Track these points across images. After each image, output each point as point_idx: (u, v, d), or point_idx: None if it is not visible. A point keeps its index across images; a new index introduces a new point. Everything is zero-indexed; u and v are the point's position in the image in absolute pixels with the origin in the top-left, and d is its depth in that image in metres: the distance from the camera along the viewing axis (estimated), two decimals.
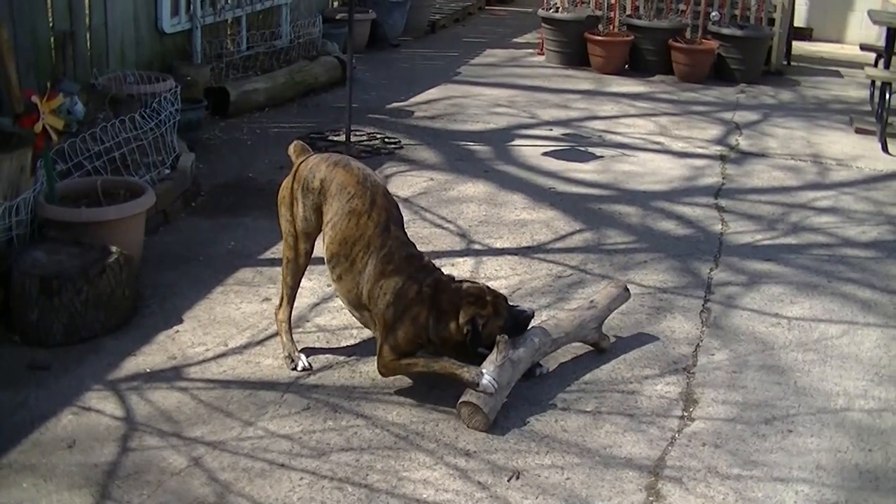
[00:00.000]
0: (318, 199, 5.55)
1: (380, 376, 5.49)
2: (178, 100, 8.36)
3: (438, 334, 5.31)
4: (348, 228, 5.40)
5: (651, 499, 4.65)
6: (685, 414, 5.40)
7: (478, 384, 5.13)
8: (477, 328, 5.27)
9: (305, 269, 5.83)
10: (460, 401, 5.14)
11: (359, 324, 6.00)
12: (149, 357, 5.70)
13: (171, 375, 5.52)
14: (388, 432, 5.06)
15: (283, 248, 5.77)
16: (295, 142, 5.93)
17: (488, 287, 5.50)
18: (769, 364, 5.99)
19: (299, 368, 5.65)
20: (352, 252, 5.40)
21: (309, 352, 5.82)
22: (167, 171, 7.78)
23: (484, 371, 5.18)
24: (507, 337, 5.33)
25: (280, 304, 5.83)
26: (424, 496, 4.57)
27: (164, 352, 5.77)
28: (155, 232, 7.33)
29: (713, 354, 6.07)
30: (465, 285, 5.41)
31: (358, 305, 5.49)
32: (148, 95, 8.42)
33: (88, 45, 9.00)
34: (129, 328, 6.02)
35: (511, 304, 5.55)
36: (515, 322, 5.46)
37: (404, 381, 5.56)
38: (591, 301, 6.04)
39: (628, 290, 6.24)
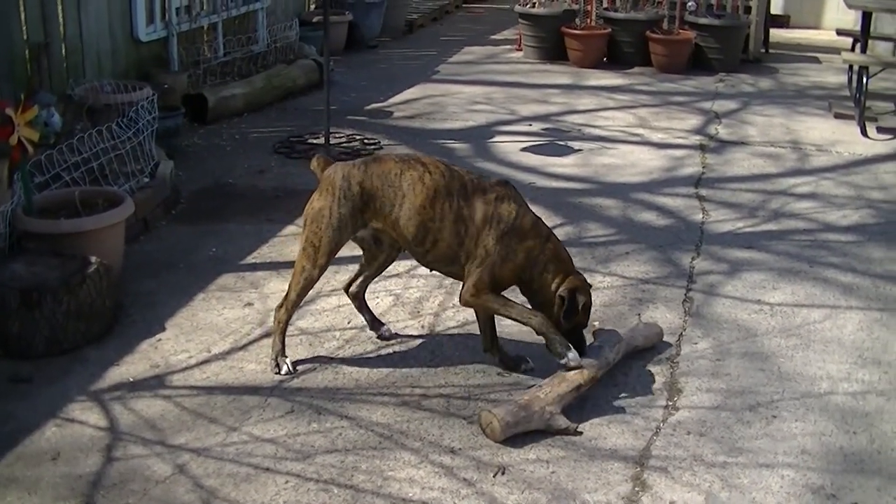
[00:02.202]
0: (360, 201, 5.47)
1: (362, 377, 5.49)
2: (155, 108, 8.34)
3: (538, 279, 5.42)
4: (419, 194, 5.41)
5: (637, 489, 4.66)
6: (669, 403, 5.41)
7: (564, 355, 5.29)
8: (575, 304, 5.34)
9: (314, 284, 5.70)
10: (489, 411, 5.05)
11: (343, 325, 6.04)
12: (131, 366, 5.69)
13: (155, 383, 5.51)
14: (372, 432, 5.05)
15: (299, 258, 5.62)
16: (317, 156, 5.80)
17: None
18: (752, 351, 6.00)
19: (282, 372, 5.65)
20: (434, 210, 5.39)
21: (292, 354, 5.80)
22: (146, 180, 7.77)
23: (574, 353, 5.33)
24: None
25: (282, 305, 5.73)
26: (410, 495, 4.57)
27: (146, 360, 5.75)
28: (135, 240, 7.31)
29: (696, 343, 6.08)
30: None
31: (455, 260, 5.48)
32: (125, 104, 8.39)
33: (64, 55, 8.98)
34: (111, 338, 6.00)
35: None
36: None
37: (388, 379, 5.58)
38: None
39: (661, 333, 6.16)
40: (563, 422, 5.06)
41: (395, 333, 6.13)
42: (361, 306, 6.13)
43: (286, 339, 5.78)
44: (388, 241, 5.79)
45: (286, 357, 5.72)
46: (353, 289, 6.07)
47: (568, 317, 5.36)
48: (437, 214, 5.39)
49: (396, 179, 5.45)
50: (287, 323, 5.76)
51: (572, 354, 5.29)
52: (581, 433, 5.10)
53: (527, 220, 5.40)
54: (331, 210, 5.48)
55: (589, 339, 5.63)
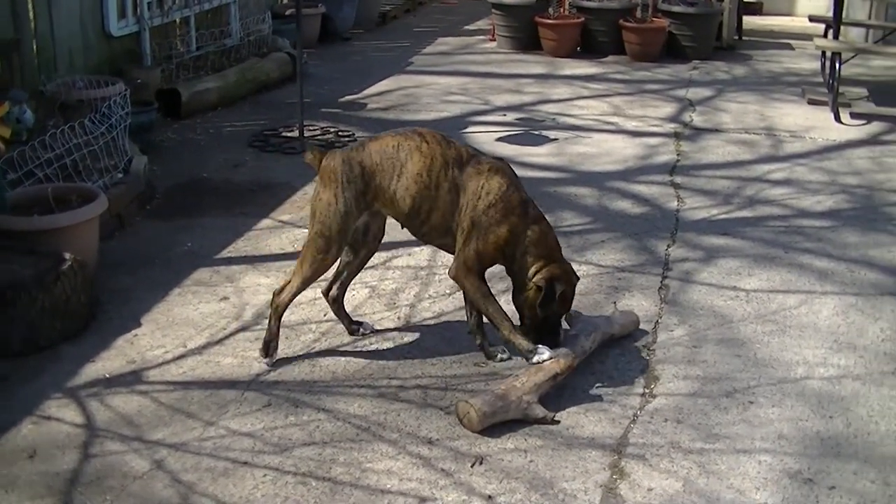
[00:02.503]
0: (363, 182, 5.49)
1: (339, 369, 5.53)
2: (128, 103, 8.29)
3: (519, 260, 5.44)
4: (416, 163, 5.44)
5: (615, 477, 4.66)
6: (646, 391, 5.42)
7: (529, 359, 5.33)
8: (553, 293, 5.36)
9: (323, 273, 5.70)
10: (466, 401, 5.06)
11: (319, 318, 6.04)
12: (108, 362, 5.67)
13: (131, 379, 5.49)
14: (349, 424, 5.05)
15: (308, 247, 5.58)
16: (310, 149, 5.79)
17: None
18: (728, 337, 6.02)
19: (265, 361, 5.66)
20: (430, 178, 5.43)
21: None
22: (120, 176, 7.73)
23: (544, 347, 5.36)
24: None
25: (282, 289, 5.70)
26: (388, 486, 4.56)
27: (123, 356, 5.73)
28: (110, 237, 7.28)
29: (672, 331, 6.10)
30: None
31: (449, 232, 5.52)
32: (98, 100, 8.35)
33: (35, 51, 8.93)
34: (87, 334, 5.98)
35: None
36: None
37: (365, 371, 5.58)
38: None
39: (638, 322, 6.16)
40: (540, 411, 5.07)
41: (374, 329, 6.11)
42: (339, 310, 6.07)
43: (262, 332, 5.77)
44: (375, 229, 5.82)
45: (276, 348, 5.72)
46: (332, 292, 6.01)
47: (544, 305, 5.37)
48: (433, 182, 5.42)
49: (394, 151, 5.49)
50: (286, 308, 5.74)
51: (537, 358, 5.30)
52: (558, 422, 5.10)
53: (515, 197, 5.40)
54: (337, 197, 5.50)
55: (564, 325, 5.65)
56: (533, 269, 5.40)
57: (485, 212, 5.36)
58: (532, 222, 5.42)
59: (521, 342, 5.38)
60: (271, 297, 5.79)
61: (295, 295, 5.71)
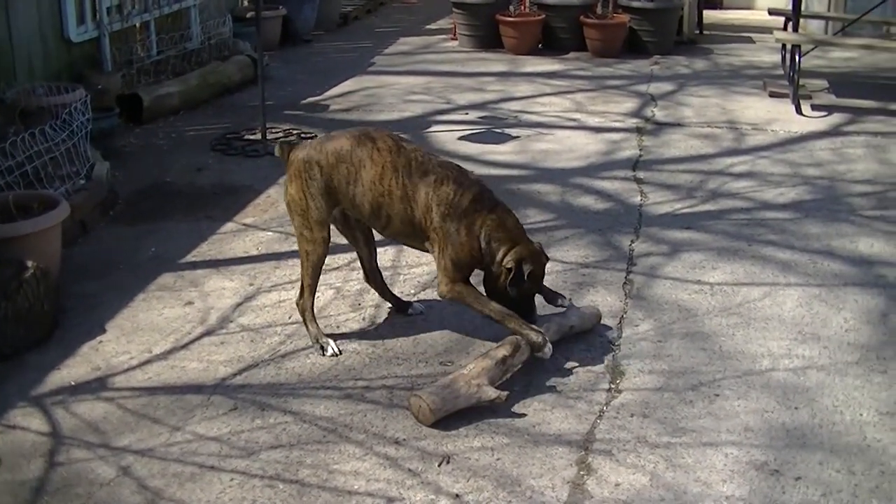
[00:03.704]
0: (322, 178, 5.67)
1: (305, 372, 5.55)
2: (89, 109, 8.26)
3: (488, 253, 5.53)
4: (369, 170, 5.60)
5: (582, 473, 4.68)
6: (612, 386, 5.44)
7: (542, 348, 5.42)
8: (521, 273, 5.45)
9: (326, 257, 5.89)
10: (416, 395, 5.11)
11: (284, 321, 6.04)
12: (73, 369, 5.64)
13: (97, 386, 5.47)
14: (316, 426, 5.05)
15: (299, 244, 5.82)
16: (279, 143, 6.01)
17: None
18: (693, 331, 6.04)
19: (328, 354, 5.79)
20: (383, 186, 5.57)
21: (233, 351, 5.80)
22: (82, 182, 7.70)
23: (551, 347, 5.46)
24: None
25: (301, 295, 5.91)
26: (356, 487, 4.56)
27: (88, 363, 5.71)
28: (73, 243, 7.25)
29: (637, 325, 6.11)
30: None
31: (413, 235, 5.67)
32: (58, 106, 8.31)
33: None
34: (51, 342, 5.95)
35: None
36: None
37: (331, 373, 5.58)
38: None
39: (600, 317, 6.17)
40: (491, 392, 5.11)
41: (423, 310, 6.32)
42: (383, 291, 6.34)
43: (227, 336, 5.82)
44: (354, 217, 5.94)
45: (327, 339, 5.86)
46: (369, 275, 6.28)
47: (514, 285, 5.46)
48: (386, 190, 5.55)
49: (348, 155, 5.64)
50: (312, 309, 5.91)
51: (548, 349, 5.42)
52: (512, 407, 5.17)
53: (465, 199, 5.48)
54: (304, 192, 5.70)
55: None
56: (501, 254, 5.49)
57: (442, 221, 5.47)
58: (487, 213, 5.50)
59: (532, 336, 5.43)
60: (296, 306, 5.99)
61: (312, 291, 5.90)
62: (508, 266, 5.45)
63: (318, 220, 5.73)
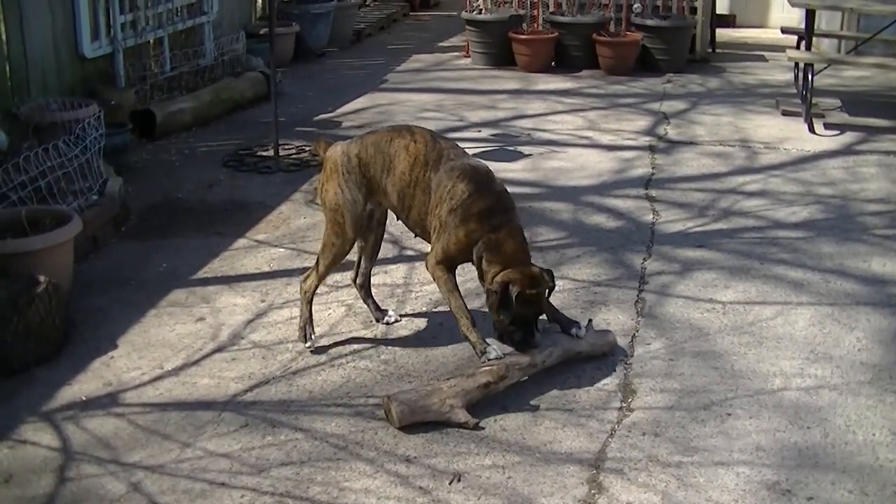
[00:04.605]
0: (360, 173, 5.85)
1: (316, 389, 5.56)
2: (102, 125, 8.26)
3: (478, 265, 5.61)
4: (402, 161, 5.76)
5: (593, 492, 4.66)
6: (624, 405, 5.42)
7: (480, 356, 5.51)
8: (507, 297, 5.44)
9: (344, 257, 6.05)
10: (387, 397, 5.22)
11: (295, 337, 6.03)
12: (84, 385, 5.64)
13: (107, 402, 5.47)
14: (327, 444, 5.04)
15: (327, 234, 5.94)
16: (318, 139, 6.23)
17: (551, 275, 5.72)
18: (705, 350, 6.02)
19: (306, 345, 5.99)
20: (412, 176, 5.73)
21: (244, 368, 5.80)
22: (95, 197, 7.70)
23: (495, 346, 5.53)
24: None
25: (308, 276, 6.11)
26: None
27: (98, 378, 5.71)
28: (85, 258, 7.25)
29: (649, 344, 6.10)
30: (529, 258, 5.70)
31: (424, 226, 5.80)
32: (72, 122, 8.31)
33: (8, 73, 8.89)
34: (62, 357, 5.95)
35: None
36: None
37: (342, 390, 5.57)
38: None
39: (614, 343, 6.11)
40: (462, 416, 5.14)
41: (399, 318, 6.44)
42: (367, 297, 6.44)
43: (238, 352, 5.85)
44: (378, 215, 6.12)
45: (313, 330, 6.08)
46: (358, 280, 6.38)
47: (500, 309, 5.48)
48: (413, 181, 5.70)
49: (386, 146, 5.81)
50: (314, 293, 6.10)
51: (484, 357, 5.48)
52: (482, 429, 5.17)
53: (476, 206, 5.55)
54: (341, 187, 5.86)
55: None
56: (490, 275, 5.53)
57: (448, 214, 5.57)
58: (492, 230, 5.55)
59: (473, 339, 5.58)
60: (299, 286, 6.19)
61: (321, 280, 6.11)
62: (494, 289, 5.48)
63: (353, 217, 5.86)
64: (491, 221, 5.54)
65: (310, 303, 6.08)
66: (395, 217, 6.04)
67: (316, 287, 6.08)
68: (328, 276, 6.13)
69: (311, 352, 5.98)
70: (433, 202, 5.64)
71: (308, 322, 6.07)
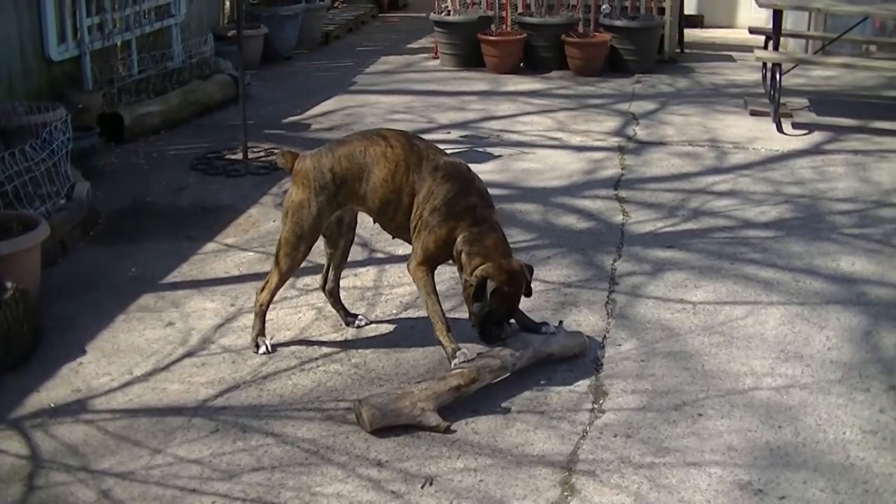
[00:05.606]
0: (335, 187, 5.80)
1: (286, 393, 5.54)
2: (69, 128, 8.20)
3: (458, 259, 5.68)
4: (381, 168, 5.76)
5: (566, 494, 4.66)
6: (595, 407, 5.42)
7: (450, 360, 5.55)
8: (483, 290, 5.50)
9: (298, 268, 6.06)
10: (358, 401, 5.22)
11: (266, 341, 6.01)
12: (52, 391, 5.60)
13: (76, 408, 5.43)
14: (298, 448, 5.02)
15: (283, 245, 5.89)
16: (281, 151, 6.09)
17: (531, 270, 5.79)
18: (676, 350, 6.03)
19: (260, 352, 5.98)
20: (395, 182, 5.74)
21: (215, 372, 5.77)
22: (62, 202, 7.65)
23: (465, 350, 5.55)
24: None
25: (264, 288, 6.04)
26: None
27: (67, 385, 5.67)
28: (53, 263, 7.20)
29: (620, 345, 6.10)
30: (509, 251, 5.75)
31: (408, 230, 5.85)
32: (39, 125, 8.25)
33: None
34: (30, 363, 5.91)
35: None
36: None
37: (312, 394, 5.55)
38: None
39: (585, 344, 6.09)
40: (433, 419, 5.13)
41: (369, 321, 6.42)
42: (336, 303, 6.41)
43: (208, 357, 5.82)
44: (348, 220, 6.12)
45: (265, 338, 6.04)
46: (327, 286, 6.34)
47: (476, 301, 5.54)
48: (397, 186, 5.72)
49: (361, 156, 5.78)
50: (269, 305, 6.08)
51: (455, 362, 5.48)
52: (453, 431, 5.17)
53: (460, 204, 5.64)
54: (310, 201, 5.80)
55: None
56: (470, 268, 5.59)
57: (431, 214, 5.62)
58: (473, 225, 5.62)
59: (445, 343, 5.63)
60: (254, 297, 6.13)
61: (275, 290, 6.06)
62: (472, 281, 5.55)
63: (312, 230, 5.84)
64: (473, 217, 5.63)
65: (263, 316, 6.08)
66: (364, 219, 6.04)
67: (270, 300, 6.05)
68: (282, 287, 6.12)
69: (282, 357, 5.96)
70: (417, 202, 5.68)
71: (260, 332, 6.07)
